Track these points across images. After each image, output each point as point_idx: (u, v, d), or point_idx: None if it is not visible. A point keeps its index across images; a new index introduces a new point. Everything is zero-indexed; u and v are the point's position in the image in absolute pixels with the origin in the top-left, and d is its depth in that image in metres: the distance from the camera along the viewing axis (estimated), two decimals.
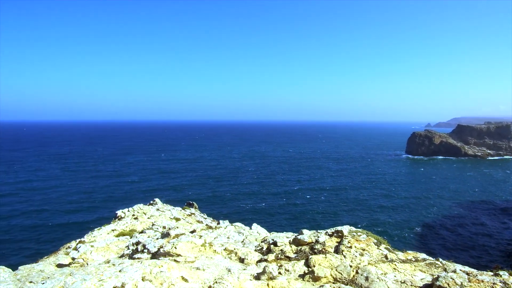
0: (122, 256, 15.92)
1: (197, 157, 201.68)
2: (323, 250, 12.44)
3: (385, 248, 12.45)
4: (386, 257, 11.56)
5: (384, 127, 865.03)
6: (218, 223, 22.86)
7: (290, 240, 13.95)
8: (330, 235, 13.44)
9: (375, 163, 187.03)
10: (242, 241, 16.09)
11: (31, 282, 12.04)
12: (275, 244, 13.87)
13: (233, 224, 19.38)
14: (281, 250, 13.28)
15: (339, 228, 13.74)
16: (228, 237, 16.31)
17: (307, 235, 13.73)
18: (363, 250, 12.01)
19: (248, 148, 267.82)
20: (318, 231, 14.38)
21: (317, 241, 13.09)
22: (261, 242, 15.10)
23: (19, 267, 14.64)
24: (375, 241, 12.82)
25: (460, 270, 9.59)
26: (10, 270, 14.12)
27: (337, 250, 12.13)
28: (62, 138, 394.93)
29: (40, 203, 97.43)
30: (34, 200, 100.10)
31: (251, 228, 19.03)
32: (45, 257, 21.41)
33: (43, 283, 10.80)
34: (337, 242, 12.84)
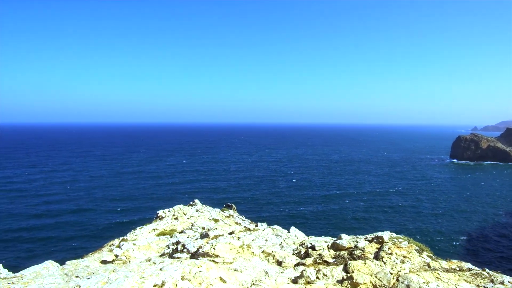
0: (162, 255, 16.30)
1: (236, 160, 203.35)
2: (363, 256, 12.21)
3: (428, 256, 12.05)
4: (428, 265, 11.19)
5: (427, 131, 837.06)
6: (256, 226, 22.94)
7: (328, 245, 13.79)
8: (370, 241, 13.17)
9: (418, 168, 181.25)
10: (280, 244, 16.07)
11: (77, 276, 12.57)
12: (313, 248, 13.76)
13: (271, 226, 19.39)
14: (319, 254, 13.16)
15: (379, 233, 13.44)
16: (266, 240, 16.34)
17: (346, 240, 13.53)
18: (404, 257, 11.69)
19: (287, 150, 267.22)
20: (358, 236, 14.14)
21: (356, 247, 12.87)
22: (299, 245, 15.02)
23: (66, 262, 15.32)
24: (417, 248, 12.44)
25: (508, 282, 9.14)
26: (58, 264, 14.81)
27: (377, 257, 11.87)
28: (106, 140, 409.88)
29: (86, 202, 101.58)
30: (80, 199, 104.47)
31: (289, 231, 18.97)
32: (90, 253, 22.29)
33: (88, 278, 11.25)
34: (377, 248, 12.57)
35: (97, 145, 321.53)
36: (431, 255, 12.30)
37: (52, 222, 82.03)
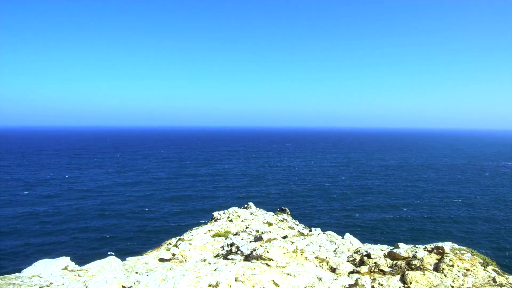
0: (217, 256, 16.65)
1: (290, 164, 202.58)
2: (421, 266, 11.74)
3: (493, 270, 11.34)
4: (494, 280, 10.54)
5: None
6: (310, 231, 22.77)
7: (385, 253, 13.41)
8: (430, 251, 12.63)
9: (486, 175, 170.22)
10: (334, 251, 15.85)
11: (137, 272, 13.17)
12: (368, 256, 13.44)
13: (325, 232, 19.18)
14: (375, 263, 12.83)
15: (439, 244, 12.86)
16: (320, 245, 16.19)
17: (404, 249, 13.08)
18: (467, 270, 11.09)
19: (343, 155, 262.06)
20: (416, 246, 13.61)
21: (414, 257, 12.40)
22: (354, 253, 14.74)
23: (127, 258, 16.11)
24: (482, 261, 11.75)
25: None
26: (119, 260, 15.61)
27: (436, 268, 11.36)
28: (165, 142, 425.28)
29: (145, 202, 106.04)
30: (140, 200, 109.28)
31: (343, 238, 18.66)
32: (149, 251, 23.24)
33: (147, 275, 11.74)
34: (437, 259, 12.03)
35: (156, 147, 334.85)
36: (497, 269, 11.56)
37: (115, 221, 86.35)
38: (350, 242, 17.92)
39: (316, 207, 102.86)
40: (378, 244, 15.55)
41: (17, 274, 12.84)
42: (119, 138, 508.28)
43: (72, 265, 14.45)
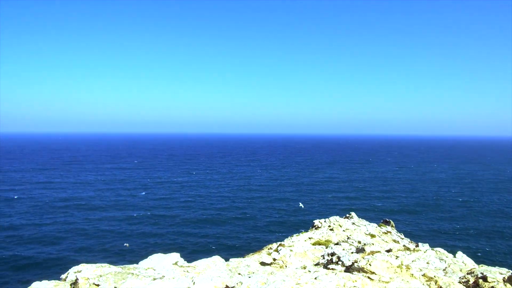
0: (317, 264, 16.56)
1: (395, 176, 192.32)
2: None
3: None
4: None
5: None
6: (417, 246, 21.43)
7: (504, 277, 12.08)
8: None
9: None
10: (444, 269, 14.73)
11: (239, 274, 13.70)
12: (484, 279, 12.23)
13: (434, 248, 17.89)
14: (492, 287, 11.63)
15: None
16: (427, 262, 15.18)
17: None
18: None
19: (453, 166, 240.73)
20: None
21: None
22: (467, 274, 13.52)
23: (230, 259, 16.86)
24: None
25: None
26: (223, 260, 16.40)
27: None
28: (269, 149, 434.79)
29: (248, 208, 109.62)
30: (242, 206, 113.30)
31: (455, 256, 17.22)
32: (251, 254, 23.96)
33: (249, 277, 12.15)
34: None
35: (258, 154, 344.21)
36: None
37: (220, 225, 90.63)
38: (463, 262, 16.47)
39: (423, 221, 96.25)
40: (496, 267, 14.03)
41: (135, 265, 14.25)
42: (217, 145, 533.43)
43: (181, 261, 15.58)
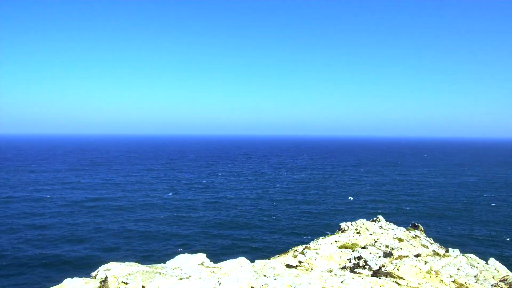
0: (343, 267, 16.38)
1: (423, 178, 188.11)
2: None
3: None
4: None
5: None
6: (447, 251, 20.90)
7: None
8: None
9: None
10: (475, 276, 14.30)
11: (265, 275, 13.70)
12: None
13: (465, 254, 17.40)
14: None
15: None
16: (458, 269, 14.78)
17: None
18: None
19: (484, 169, 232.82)
20: None
21: None
22: (500, 281, 13.10)
23: (256, 261, 16.89)
24: None
25: None
26: (249, 261, 16.44)
27: None
28: (295, 151, 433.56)
29: (273, 211, 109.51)
30: (268, 208, 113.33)
31: (487, 263, 16.69)
32: (276, 256, 23.93)
33: (275, 279, 12.14)
34: None
35: (284, 155, 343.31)
36: None
37: (246, 227, 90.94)
38: (496, 269, 15.95)
39: (453, 226, 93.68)
40: None
41: (162, 264, 14.47)
42: (239, 146, 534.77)
43: (207, 261, 15.72)
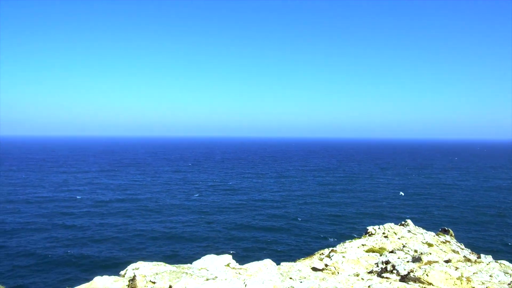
0: (371, 272, 16.13)
1: (454, 181, 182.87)
2: None
3: None
4: None
5: None
6: (479, 257, 20.26)
7: None
8: None
9: None
10: (509, 284, 13.82)
11: (291, 278, 13.64)
12: None
13: (498, 261, 16.82)
14: None
15: None
16: (490, 276, 14.31)
17: None
18: None
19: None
20: None
21: None
22: None
23: (281, 263, 16.85)
24: None
25: None
26: (275, 264, 16.43)
27: None
28: (323, 153, 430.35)
29: (297, 211, 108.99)
30: (295, 211, 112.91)
31: None
32: (302, 259, 23.81)
33: (301, 282, 12.08)
34: None
35: (309, 158, 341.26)
36: None
37: (272, 230, 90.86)
38: None
39: (486, 231, 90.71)
40: None
41: (189, 264, 14.64)
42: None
43: (233, 263, 15.79)
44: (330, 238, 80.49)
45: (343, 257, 17.58)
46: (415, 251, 20.49)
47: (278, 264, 16.81)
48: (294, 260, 22.64)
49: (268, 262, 15.91)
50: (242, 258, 57.25)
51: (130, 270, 12.80)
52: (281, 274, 14.19)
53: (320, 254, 22.67)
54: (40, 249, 69.64)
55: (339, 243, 26.16)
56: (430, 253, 18.54)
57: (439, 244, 27.39)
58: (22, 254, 66.85)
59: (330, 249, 23.00)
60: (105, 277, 12.37)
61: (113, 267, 57.11)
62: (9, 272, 58.90)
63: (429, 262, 14.88)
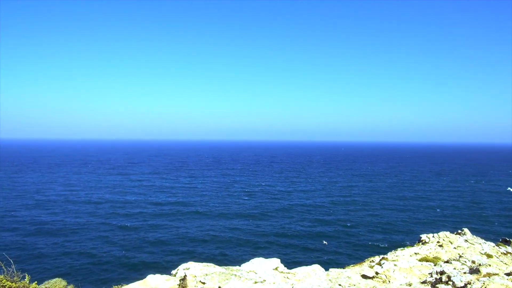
0: (424, 282, 15.52)
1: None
2: None
3: None
4: None
5: None
6: None
7: None
8: None
9: None
10: None
11: (340, 285, 13.43)
12: None
13: None
14: None
15: None
16: None
17: None
18: None
19: None
20: None
21: None
22: None
23: (330, 269, 16.60)
24: None
25: None
26: (323, 269, 16.23)
27: None
28: (373, 158, 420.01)
29: (347, 218, 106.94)
30: (343, 217, 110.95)
31: None
32: (351, 265, 23.32)
33: None
34: None
35: (359, 162, 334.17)
36: None
37: (320, 235, 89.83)
38: None
39: None
40: None
41: (237, 267, 14.82)
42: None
43: (282, 267, 15.79)
44: (381, 245, 78.32)
45: (395, 265, 17.02)
46: (473, 262, 19.45)
47: (326, 270, 16.59)
48: (342, 267, 22.24)
49: (316, 268, 15.77)
50: (289, 262, 56.97)
51: (181, 269, 13.16)
52: (329, 280, 14.01)
53: (370, 262, 22.09)
54: (95, 249, 73.18)
55: (390, 250, 25.38)
56: (490, 265, 17.53)
57: (499, 256, 25.83)
58: (78, 253, 70.65)
59: (381, 256, 22.37)
60: (158, 275, 12.80)
61: (162, 269, 58.79)
62: (67, 269, 62.47)
63: (488, 274, 14.08)
